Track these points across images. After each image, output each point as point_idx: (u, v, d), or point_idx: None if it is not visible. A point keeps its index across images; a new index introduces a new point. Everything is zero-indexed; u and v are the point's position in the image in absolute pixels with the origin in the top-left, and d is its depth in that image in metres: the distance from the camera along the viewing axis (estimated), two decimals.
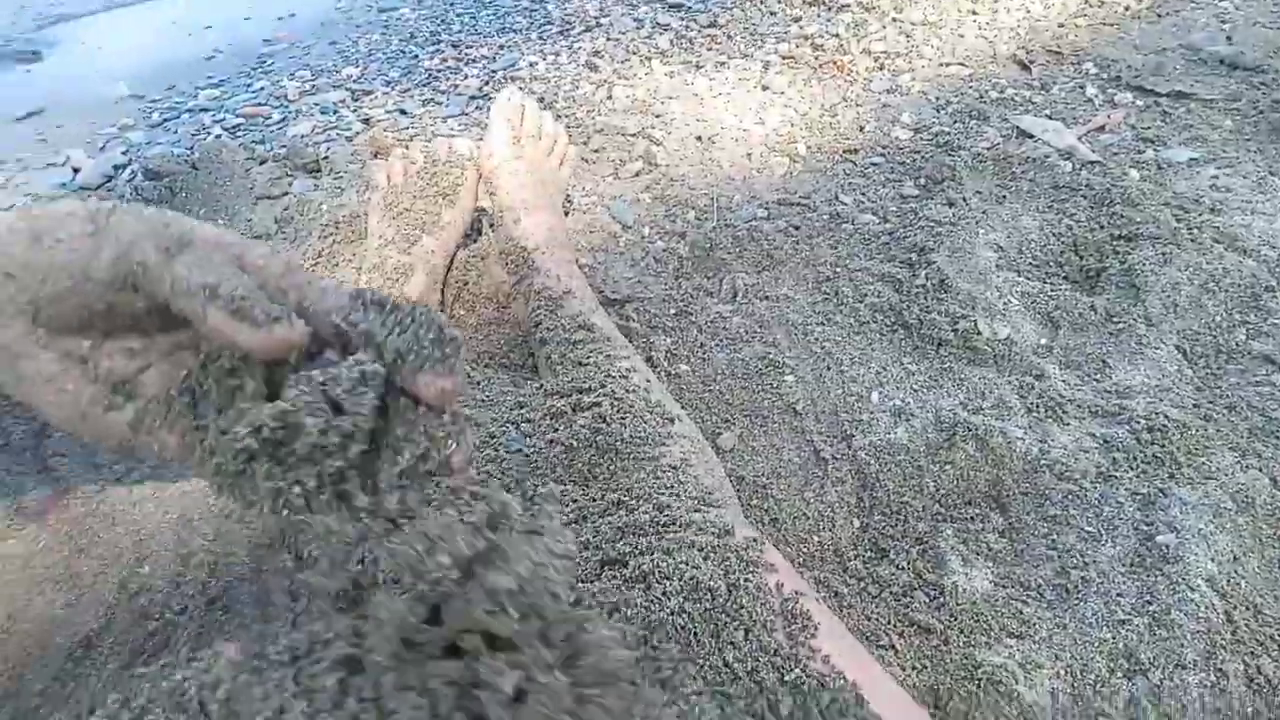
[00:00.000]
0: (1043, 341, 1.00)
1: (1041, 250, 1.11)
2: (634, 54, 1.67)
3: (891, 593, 0.78)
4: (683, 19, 1.80)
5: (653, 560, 0.57)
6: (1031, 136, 1.29)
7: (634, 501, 0.67)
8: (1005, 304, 1.03)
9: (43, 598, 0.86)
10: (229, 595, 0.83)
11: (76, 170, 1.47)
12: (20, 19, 2.29)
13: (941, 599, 0.77)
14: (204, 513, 0.91)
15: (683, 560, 0.56)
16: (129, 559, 0.88)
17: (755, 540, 0.60)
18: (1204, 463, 0.84)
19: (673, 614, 0.53)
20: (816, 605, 0.56)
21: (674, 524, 0.63)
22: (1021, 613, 0.75)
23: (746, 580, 0.55)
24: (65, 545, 0.90)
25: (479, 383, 0.93)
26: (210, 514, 0.90)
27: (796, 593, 0.56)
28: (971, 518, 0.83)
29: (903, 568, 0.80)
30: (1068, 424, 0.90)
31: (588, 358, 0.88)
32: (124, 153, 1.52)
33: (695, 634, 0.52)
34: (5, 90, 1.86)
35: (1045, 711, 0.68)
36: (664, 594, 0.54)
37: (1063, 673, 0.71)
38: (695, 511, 0.64)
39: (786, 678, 0.50)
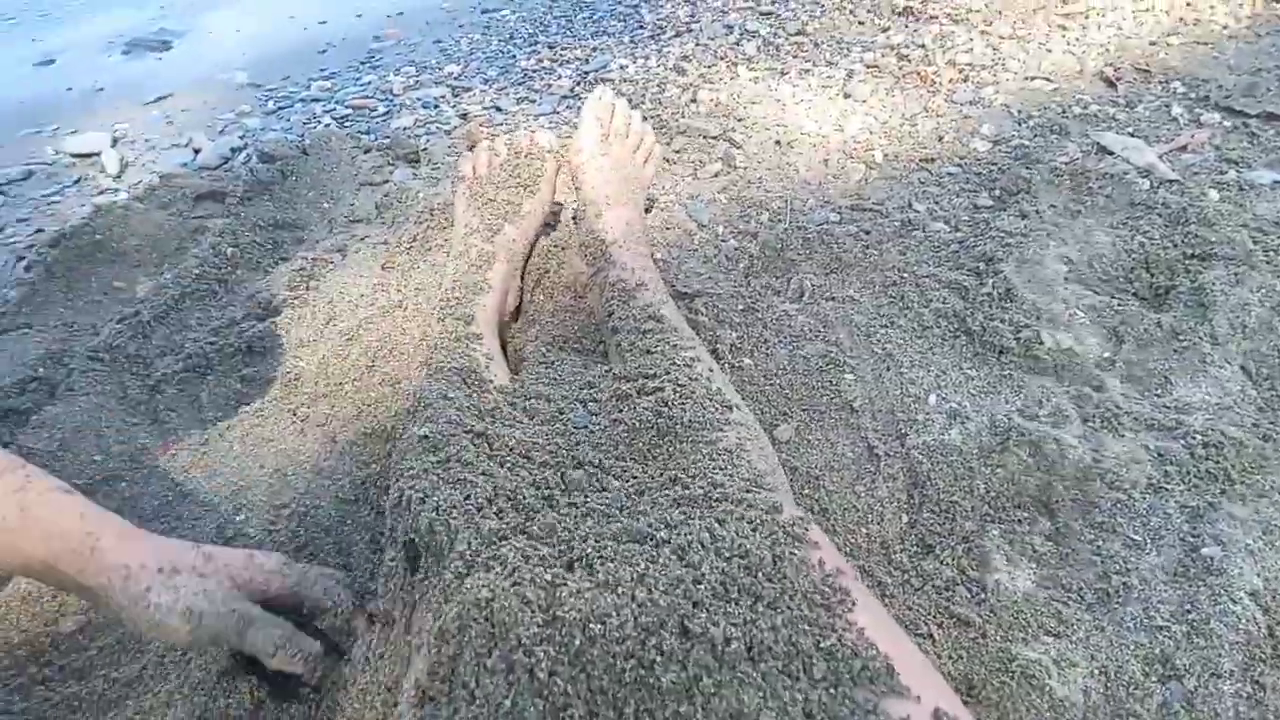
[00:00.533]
0: (1105, 355, 1.01)
1: (1112, 266, 1.12)
2: (721, 59, 1.72)
3: (934, 586, 0.81)
4: (771, 26, 1.84)
5: (704, 526, 0.61)
6: (1111, 153, 1.29)
7: (688, 479, 0.72)
8: (1070, 316, 1.04)
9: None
10: (315, 544, 0.91)
11: (197, 151, 1.60)
12: (153, 9, 2.47)
13: (983, 595, 0.79)
14: (295, 468, 0.99)
15: (733, 530, 0.61)
16: (227, 507, 0.97)
17: (801, 519, 0.64)
18: (1258, 481, 0.84)
19: (717, 574, 0.57)
20: (855, 583, 0.60)
21: (726, 499, 0.67)
22: (1060, 613, 0.77)
23: (791, 553, 0.59)
24: (170, 490, 0.99)
25: (553, 363, 0.99)
26: (301, 470, 0.99)
27: (837, 569, 0.60)
28: (1019, 520, 0.85)
29: (947, 563, 0.82)
30: (1123, 435, 0.91)
31: (655, 346, 0.93)
32: (241, 137, 1.64)
33: (734, 596, 0.56)
34: (138, 76, 2.02)
35: (1076, 708, 0.70)
36: (712, 558, 0.59)
37: (1096, 672, 0.73)
38: (747, 491, 0.69)
39: (822, 644, 0.54)
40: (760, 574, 0.58)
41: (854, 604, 0.58)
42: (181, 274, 1.26)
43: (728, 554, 0.59)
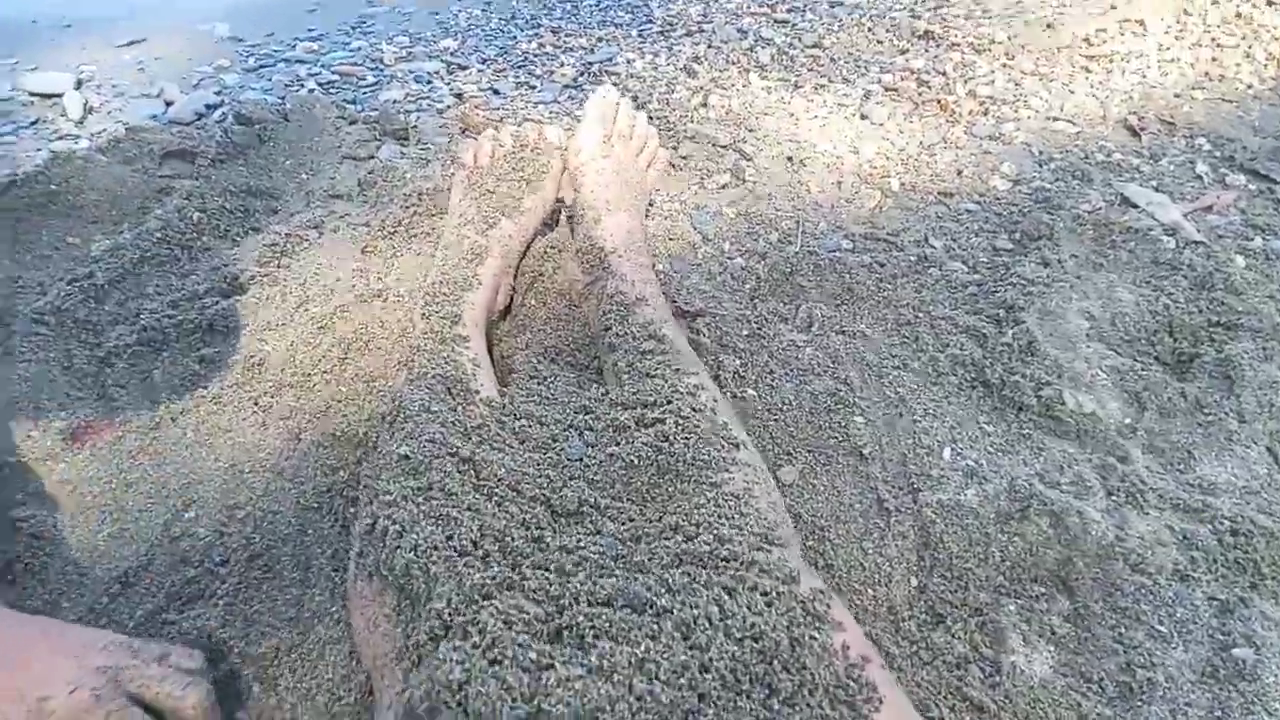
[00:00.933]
0: (1127, 421, 0.96)
1: (1135, 326, 1.07)
2: (733, 64, 1.65)
3: (945, 662, 0.74)
4: (787, 36, 1.77)
5: (711, 597, 0.54)
6: (1135, 206, 1.24)
7: (693, 528, 0.65)
8: (1093, 376, 0.99)
9: (87, 526, 0.85)
10: (271, 554, 0.82)
11: (169, 104, 1.48)
12: None
13: (997, 678, 0.73)
14: (254, 466, 0.90)
15: (745, 604, 0.54)
16: (175, 501, 0.87)
17: (823, 593, 0.57)
18: None
19: (727, 660, 0.50)
20: (882, 674, 0.53)
21: (734, 560, 0.60)
22: (1080, 706, 0.71)
23: (812, 638, 0.52)
24: (114, 477, 0.89)
25: (545, 378, 0.91)
26: (260, 468, 0.89)
27: (863, 658, 0.53)
28: (1037, 596, 0.79)
29: (959, 637, 0.76)
30: (1147, 513, 0.85)
31: (655, 369, 0.86)
32: (217, 93, 1.53)
33: (746, 688, 0.49)
34: (111, 14, 1.88)
35: None
36: (721, 638, 0.52)
37: None
38: (758, 550, 0.62)
39: None
40: (776, 661, 0.50)
41: (880, 703, 0.51)
42: (142, 236, 1.15)
43: (739, 634, 0.52)
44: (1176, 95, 1.50)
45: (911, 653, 0.76)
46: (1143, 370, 1.01)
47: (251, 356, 1.00)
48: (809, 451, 0.92)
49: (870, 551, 0.83)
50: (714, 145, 1.35)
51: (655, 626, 0.52)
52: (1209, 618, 0.76)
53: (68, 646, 0.61)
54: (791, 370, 1.00)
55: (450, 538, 0.60)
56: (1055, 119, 1.45)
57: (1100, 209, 1.23)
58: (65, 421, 0.93)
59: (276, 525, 0.85)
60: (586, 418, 0.81)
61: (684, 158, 1.34)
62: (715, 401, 0.84)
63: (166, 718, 0.63)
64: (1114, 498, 0.87)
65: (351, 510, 0.84)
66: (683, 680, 0.48)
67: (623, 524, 0.68)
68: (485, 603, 0.54)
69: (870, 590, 0.80)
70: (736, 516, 0.67)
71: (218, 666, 0.72)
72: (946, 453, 0.91)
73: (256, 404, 0.96)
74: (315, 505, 0.86)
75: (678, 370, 0.85)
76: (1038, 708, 0.71)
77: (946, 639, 0.76)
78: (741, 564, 0.59)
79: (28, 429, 0.91)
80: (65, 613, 0.77)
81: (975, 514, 0.84)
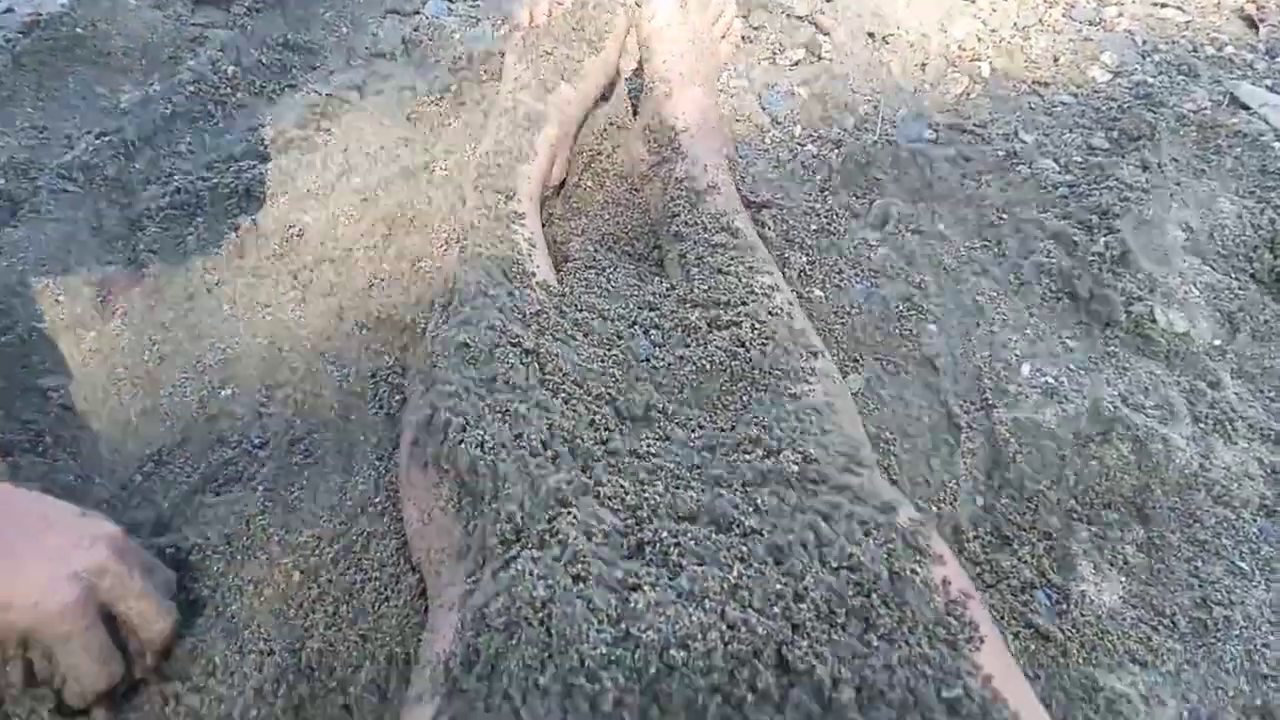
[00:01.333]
0: (1217, 342, 0.89)
1: (1235, 240, 0.99)
2: None
3: (1009, 586, 0.72)
4: None
5: (806, 524, 0.50)
6: (1246, 108, 1.13)
7: (774, 443, 0.61)
8: (1185, 293, 0.92)
9: (119, 399, 0.82)
10: (312, 439, 0.79)
11: None
12: None
13: (1064, 606, 0.70)
14: (294, 345, 0.86)
15: (841, 532, 0.50)
16: (212, 378, 0.84)
17: (923, 524, 0.53)
18: None
19: (822, 590, 0.47)
20: (983, 613, 0.50)
21: (824, 482, 0.56)
22: (1150, 639, 0.68)
23: (913, 571, 0.48)
24: (147, 350, 0.86)
25: (604, 268, 0.85)
26: (301, 348, 0.86)
27: (964, 595, 0.50)
28: (1110, 523, 0.75)
29: (1026, 561, 0.73)
30: (1235, 443, 0.81)
31: (728, 266, 0.80)
32: None
33: (841, 621, 0.46)
34: None
35: None
36: (817, 567, 0.48)
37: (1187, 715, 0.65)
38: (846, 472, 0.58)
39: (945, 693, 0.44)
40: (875, 595, 0.47)
41: (982, 642, 0.48)
42: (174, 89, 1.08)
43: (835, 563, 0.49)
44: None
45: (975, 575, 0.73)
46: (1239, 289, 0.94)
47: (290, 227, 0.95)
48: (877, 359, 0.87)
49: (937, 468, 0.79)
50: (789, 16, 1.24)
51: (744, 549, 0.49)
52: None
53: (52, 545, 0.55)
54: (862, 271, 0.94)
55: (519, 436, 0.56)
56: (1163, 4, 1.32)
57: (1206, 109, 1.12)
58: (95, 284, 0.89)
59: (318, 409, 0.82)
60: (652, 314, 0.76)
61: (755, 28, 1.23)
62: (791, 305, 0.78)
63: (126, 634, 0.58)
64: (1201, 425, 0.82)
65: (398, 399, 0.81)
66: (776, 609, 0.45)
67: (693, 431, 0.65)
68: (563, 510, 0.51)
69: (934, 508, 0.77)
70: (820, 434, 0.62)
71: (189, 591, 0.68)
72: (1025, 368, 0.85)
73: (296, 279, 0.91)
74: (359, 391, 0.83)
75: (752, 268, 0.80)
76: (1105, 639, 0.68)
77: (1013, 563, 0.73)
78: (832, 488, 0.55)
79: (56, 293, 0.88)
80: (98, 489, 0.76)
81: (1052, 434, 0.80)
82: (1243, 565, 0.72)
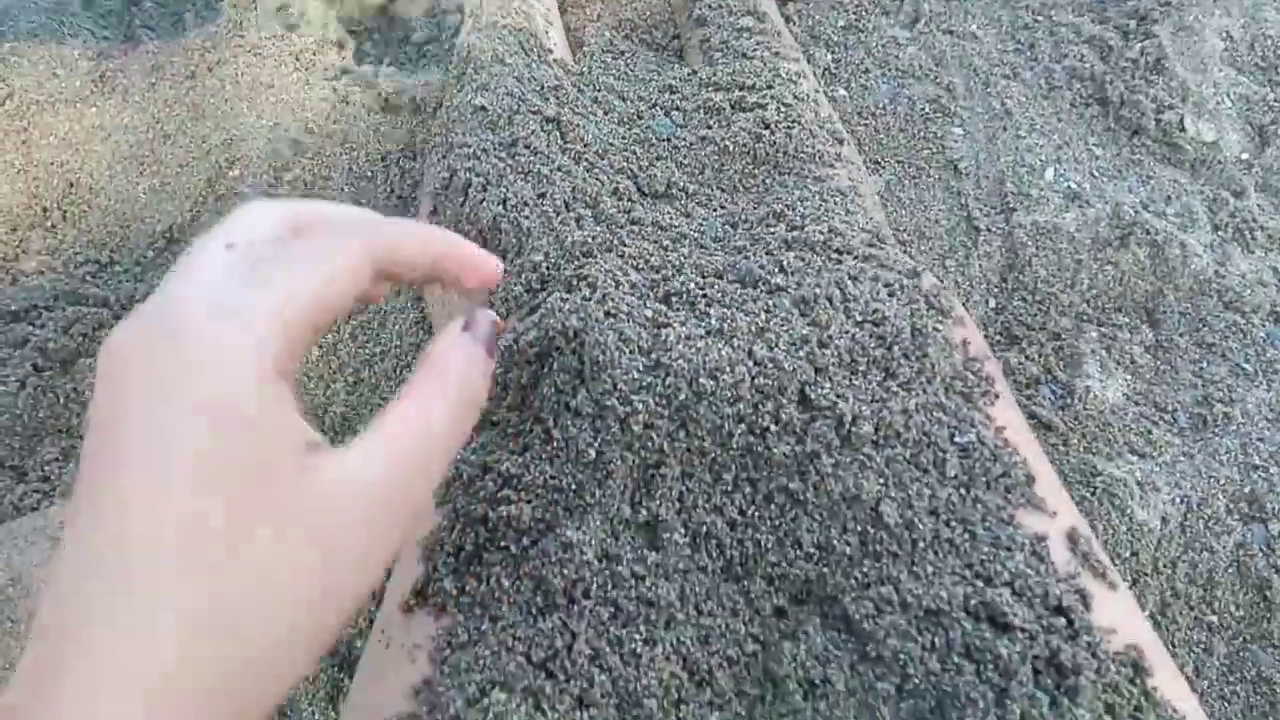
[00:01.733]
0: (1244, 155, 0.88)
1: (1274, 51, 0.95)
2: None
3: (1016, 382, 0.73)
4: None
5: (833, 281, 0.50)
6: None
7: (798, 218, 0.60)
8: (1218, 104, 0.89)
9: (125, 176, 0.80)
10: None
11: None
12: None
13: (1068, 400, 0.72)
14: (300, 125, 0.84)
15: (868, 290, 0.50)
16: (218, 158, 0.82)
17: (945, 289, 0.53)
18: None
19: (846, 340, 0.47)
20: (998, 371, 0.51)
21: (849, 252, 0.56)
22: (1150, 433, 0.70)
23: (935, 328, 0.49)
24: (150, 128, 0.83)
25: (622, 53, 0.82)
26: (307, 130, 0.83)
27: (982, 354, 0.50)
28: (1120, 325, 0.76)
29: (1033, 359, 0.74)
30: (1252, 251, 0.80)
31: (754, 50, 0.77)
32: None
33: (863, 369, 0.47)
34: None
35: (1152, 534, 0.66)
36: (842, 318, 0.49)
37: (1179, 500, 0.68)
38: (871, 245, 0.57)
39: (958, 438, 0.45)
40: (896, 347, 0.48)
41: (996, 397, 0.49)
42: None
43: (860, 317, 0.49)
44: None
45: None
46: (1274, 101, 0.91)
47: (291, 3, 0.90)
48: (899, 161, 0.85)
49: (952, 269, 0.79)
50: None
51: (771, 301, 0.49)
52: None
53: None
54: (889, 71, 0.90)
55: (542, 195, 0.56)
56: None
57: None
58: (92, 61, 0.85)
59: (327, 191, 0.80)
60: (673, 97, 0.73)
61: None
62: (818, 93, 0.76)
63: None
64: (1220, 233, 0.81)
65: (410, 182, 0.79)
66: (801, 352, 0.45)
67: (714, 209, 0.64)
68: (589, 260, 0.51)
69: None
70: (844, 213, 0.61)
71: None
72: (1049, 172, 0.84)
73: (298, 60, 0.87)
74: (369, 174, 0.81)
75: (777, 53, 0.76)
76: (1106, 431, 0.70)
77: (1020, 360, 0.74)
78: (858, 257, 0.54)
79: (52, 66, 0.84)
80: (113, 265, 0.75)
81: (1070, 238, 0.79)
82: (1247, 366, 0.74)
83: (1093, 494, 0.66)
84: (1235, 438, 0.70)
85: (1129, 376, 0.74)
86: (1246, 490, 0.67)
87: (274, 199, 0.29)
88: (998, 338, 0.76)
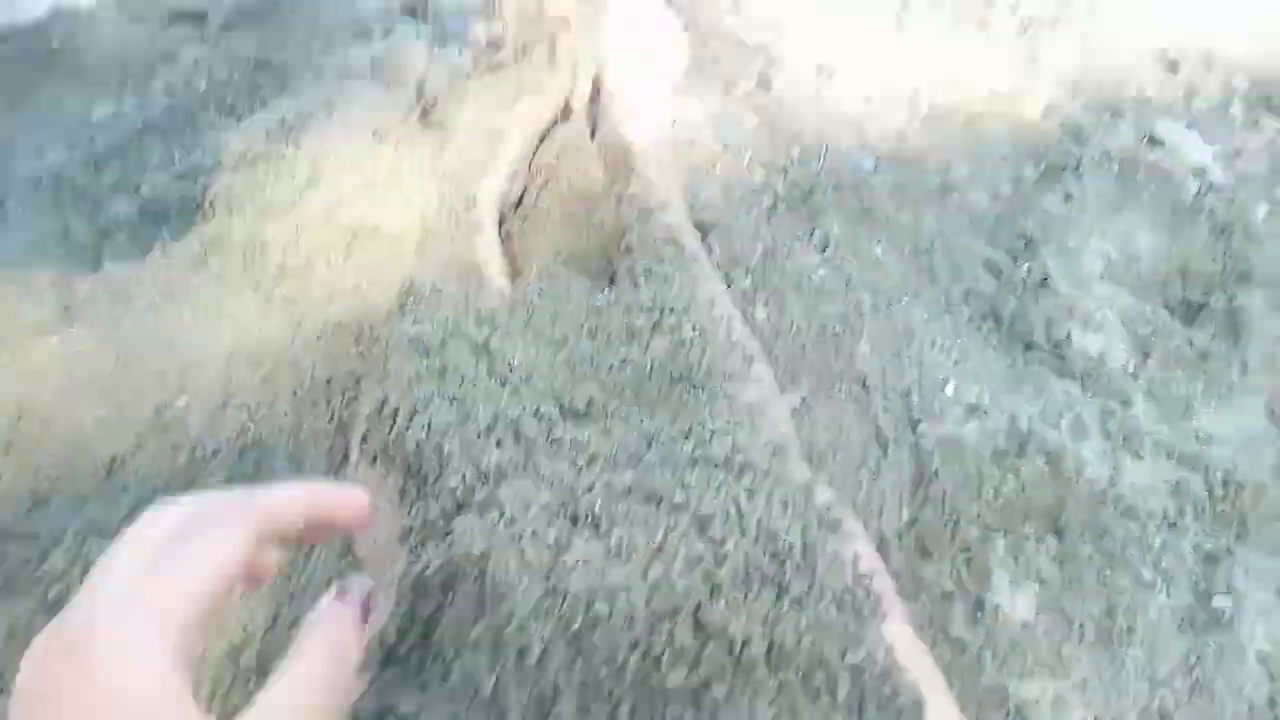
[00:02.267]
0: (1130, 367, 0.96)
1: (1148, 270, 1.05)
2: None
3: (930, 596, 0.76)
4: None
5: (730, 497, 0.54)
6: (1163, 144, 1.21)
7: (707, 433, 0.65)
8: (1102, 318, 0.98)
9: (80, 404, 0.84)
10: (264, 445, 0.82)
11: None
12: None
13: (980, 616, 0.75)
14: (254, 354, 0.89)
15: (761, 506, 0.54)
16: (170, 385, 0.86)
17: (837, 505, 0.57)
18: (1275, 531, 0.81)
19: (740, 557, 0.50)
20: (888, 589, 0.54)
21: (751, 468, 0.60)
22: (1060, 649, 0.73)
23: (824, 544, 0.52)
24: (108, 355, 0.88)
25: (557, 277, 0.89)
26: (259, 358, 0.88)
27: (872, 570, 0.54)
28: (1027, 535, 0.80)
29: (945, 573, 0.78)
30: (1142, 459, 0.86)
31: (673, 275, 0.84)
32: None
33: (757, 587, 0.50)
34: None
35: None
36: (738, 535, 0.52)
37: None
38: (773, 458, 0.62)
39: (849, 658, 0.47)
40: (789, 563, 0.50)
41: (885, 615, 0.52)
42: (145, 103, 1.10)
43: (754, 533, 0.52)
44: (1220, 30, 1.44)
45: (897, 585, 0.77)
46: (1152, 315, 1.00)
47: (255, 238, 0.97)
48: (813, 377, 0.92)
49: (865, 482, 0.84)
50: (742, 46, 1.30)
51: (672, 519, 0.52)
52: (1194, 566, 0.78)
53: None
54: (803, 293, 0.99)
55: (465, 419, 0.60)
56: (1093, 48, 1.39)
57: (1128, 146, 1.20)
58: (60, 291, 0.91)
59: (272, 417, 0.84)
60: (599, 320, 0.80)
61: (713, 61, 1.28)
62: (731, 315, 0.83)
63: None
64: (1111, 441, 0.87)
65: (347, 409, 0.84)
66: (697, 570, 0.48)
67: (633, 427, 0.68)
68: (502, 483, 0.54)
69: (863, 520, 0.81)
70: (750, 427, 0.66)
71: None
72: (950, 386, 0.91)
73: (258, 289, 0.94)
74: (312, 401, 0.85)
75: (695, 278, 0.84)
76: (1017, 649, 0.73)
77: (933, 574, 0.78)
78: (758, 472, 0.59)
79: (20, 296, 0.89)
80: (53, 498, 0.78)
81: (973, 450, 0.85)
82: (1147, 575, 0.78)
83: (1006, 716, 0.68)
84: (1142, 649, 0.73)
85: (1037, 587, 0.78)
86: (1155, 705, 0.70)
87: (169, 500, 0.34)
88: (911, 549, 0.80)
